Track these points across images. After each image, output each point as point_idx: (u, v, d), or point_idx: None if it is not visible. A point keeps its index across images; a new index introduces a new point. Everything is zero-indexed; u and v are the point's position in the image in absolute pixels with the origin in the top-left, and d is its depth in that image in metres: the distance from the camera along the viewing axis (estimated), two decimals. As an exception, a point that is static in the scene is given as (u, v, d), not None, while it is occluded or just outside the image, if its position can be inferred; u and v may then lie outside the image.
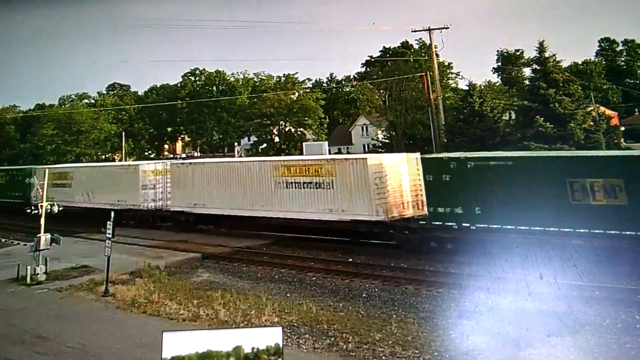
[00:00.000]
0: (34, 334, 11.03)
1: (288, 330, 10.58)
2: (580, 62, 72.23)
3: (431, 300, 13.45)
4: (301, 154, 51.69)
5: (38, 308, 13.30)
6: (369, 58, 73.19)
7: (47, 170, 22.67)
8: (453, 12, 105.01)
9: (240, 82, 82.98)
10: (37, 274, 15.90)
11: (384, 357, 9.36)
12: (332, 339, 10.20)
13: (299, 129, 63.45)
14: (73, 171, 33.14)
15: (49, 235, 16.36)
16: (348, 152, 65.30)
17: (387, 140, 50.76)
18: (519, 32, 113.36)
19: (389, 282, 15.30)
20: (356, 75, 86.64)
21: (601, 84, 67.64)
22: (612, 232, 14.57)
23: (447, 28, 37.00)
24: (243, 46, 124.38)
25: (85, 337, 10.70)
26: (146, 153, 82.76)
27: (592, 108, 34.27)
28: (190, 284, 15.69)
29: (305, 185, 20.87)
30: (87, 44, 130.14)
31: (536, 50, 32.98)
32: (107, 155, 75.72)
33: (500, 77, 76.70)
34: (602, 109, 42.06)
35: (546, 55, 32.42)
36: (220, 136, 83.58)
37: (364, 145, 64.89)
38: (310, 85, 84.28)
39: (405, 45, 69.16)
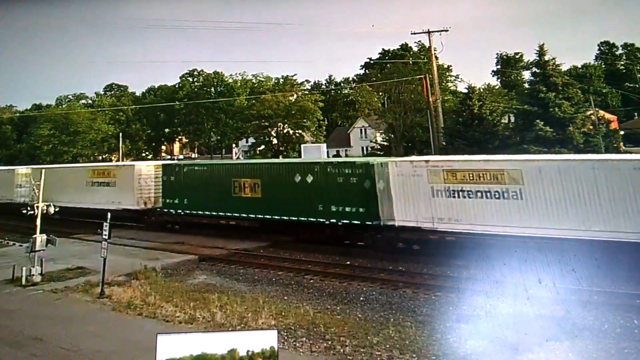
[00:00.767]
0: (29, 335, 10.93)
1: (285, 333, 10.52)
2: (579, 66, 72.58)
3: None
4: (300, 156, 51.62)
5: (33, 309, 13.19)
6: (368, 60, 73.42)
7: (43, 170, 22.43)
8: (453, 15, 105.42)
9: (239, 84, 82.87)
10: (33, 275, 15.76)
11: (381, 361, 9.26)
12: (330, 342, 10.13)
13: (297, 131, 63.27)
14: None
15: (44, 236, 16.24)
16: (347, 155, 65.13)
17: (385, 143, 50.62)
18: (518, 35, 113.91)
19: (386, 286, 15.24)
20: (355, 78, 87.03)
21: (601, 88, 67.85)
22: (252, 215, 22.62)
23: (447, 30, 37.18)
24: (242, 48, 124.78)
25: (81, 339, 10.60)
26: (144, 154, 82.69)
27: (591, 112, 34.22)
28: (186, 286, 15.56)
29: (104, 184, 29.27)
30: (85, 44, 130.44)
31: (536, 53, 33.15)
32: (103, 156, 75.66)
33: (499, 80, 77.07)
34: (602, 112, 42.10)
35: (546, 58, 32.51)
36: (218, 138, 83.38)
37: (362, 148, 64.57)
38: (309, 87, 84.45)
39: (405, 47, 69.43)
